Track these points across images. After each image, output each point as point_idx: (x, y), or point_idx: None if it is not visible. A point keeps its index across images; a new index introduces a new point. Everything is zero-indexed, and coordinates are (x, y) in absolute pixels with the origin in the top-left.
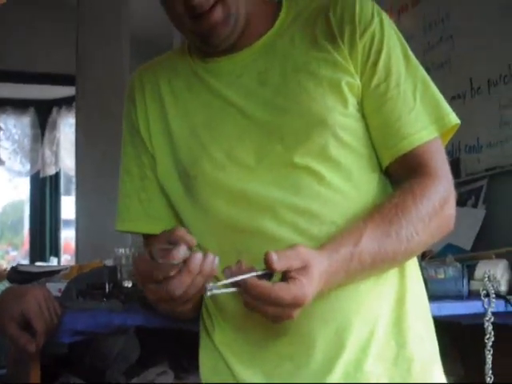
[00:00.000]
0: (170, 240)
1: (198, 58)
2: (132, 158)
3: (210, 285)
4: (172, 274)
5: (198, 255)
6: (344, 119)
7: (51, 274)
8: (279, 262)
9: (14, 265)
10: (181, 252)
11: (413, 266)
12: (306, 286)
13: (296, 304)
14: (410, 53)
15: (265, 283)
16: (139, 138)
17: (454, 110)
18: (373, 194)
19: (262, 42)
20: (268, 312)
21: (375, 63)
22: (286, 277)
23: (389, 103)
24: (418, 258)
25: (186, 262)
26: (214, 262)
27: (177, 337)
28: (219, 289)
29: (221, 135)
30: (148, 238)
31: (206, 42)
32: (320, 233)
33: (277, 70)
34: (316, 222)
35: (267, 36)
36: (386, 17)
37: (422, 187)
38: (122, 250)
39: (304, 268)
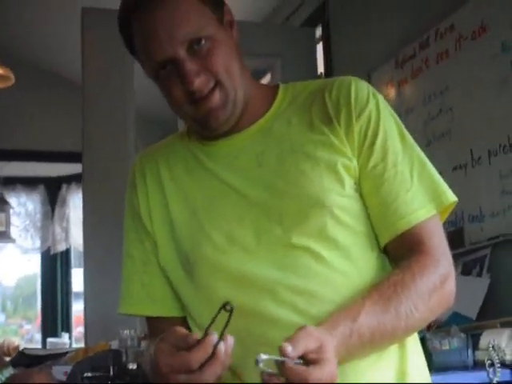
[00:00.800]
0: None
1: (197, 140)
2: (134, 243)
3: (261, 356)
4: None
5: (226, 345)
6: (341, 199)
7: (57, 356)
8: (295, 350)
9: (26, 342)
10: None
11: (412, 340)
12: (333, 363)
13: (333, 381)
14: (406, 132)
15: (300, 367)
16: (141, 224)
17: (455, 181)
18: (372, 273)
19: (259, 125)
20: None
21: (372, 144)
22: (306, 360)
23: (386, 184)
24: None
25: (213, 351)
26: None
27: None
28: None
29: (220, 217)
30: (150, 320)
31: (204, 126)
32: (319, 313)
33: (274, 151)
34: (315, 302)
35: (264, 119)
36: (381, 98)
37: (421, 266)
38: (127, 332)
39: (321, 347)
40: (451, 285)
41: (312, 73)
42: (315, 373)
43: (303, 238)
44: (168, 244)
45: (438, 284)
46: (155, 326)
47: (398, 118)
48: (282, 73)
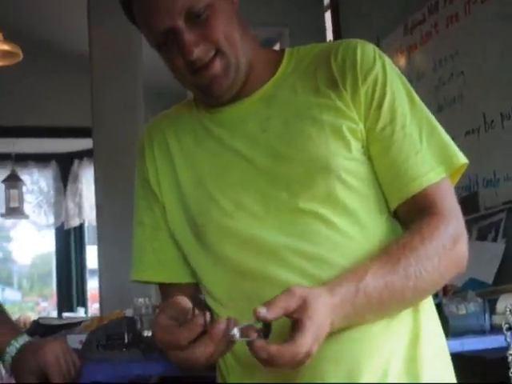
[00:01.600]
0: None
1: (203, 108)
2: (144, 210)
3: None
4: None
5: (221, 324)
6: (348, 163)
7: (72, 326)
8: (271, 312)
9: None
10: (201, 319)
11: (426, 305)
12: (318, 320)
13: (309, 353)
14: (415, 94)
15: (272, 347)
16: (150, 191)
17: (468, 145)
18: (381, 236)
19: (263, 91)
20: (285, 366)
21: (379, 107)
22: (291, 320)
23: (395, 145)
24: (433, 295)
25: (209, 329)
26: (234, 326)
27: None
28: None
29: (227, 183)
30: (163, 286)
31: (207, 94)
32: (329, 277)
33: (279, 117)
34: (325, 267)
35: (269, 84)
36: (388, 60)
37: (431, 228)
38: (141, 300)
39: (303, 304)
40: (463, 246)
41: (321, 41)
42: (286, 350)
43: (311, 202)
44: (177, 209)
45: (447, 245)
46: (167, 292)
47: (405, 80)
48: (291, 42)
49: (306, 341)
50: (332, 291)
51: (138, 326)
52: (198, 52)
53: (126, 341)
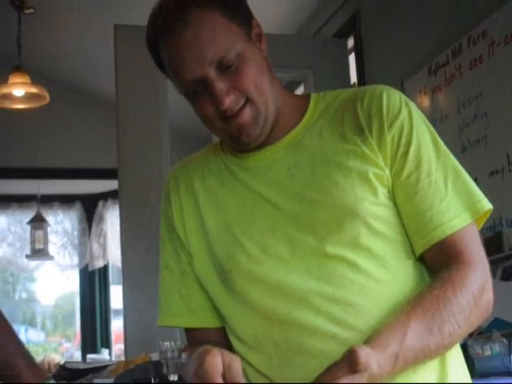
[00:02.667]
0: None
1: (230, 153)
2: (170, 254)
3: None
4: None
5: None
6: (375, 208)
7: (98, 370)
8: None
9: (66, 359)
10: None
11: (453, 349)
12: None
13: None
14: (440, 141)
15: None
16: (176, 235)
17: (493, 186)
18: (409, 281)
19: (291, 137)
20: None
21: (405, 154)
22: None
23: (420, 193)
24: None
25: None
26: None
27: None
28: None
29: (254, 229)
30: (189, 331)
31: (236, 142)
32: (356, 321)
33: (306, 163)
34: (352, 311)
35: (296, 130)
36: (413, 107)
37: (461, 277)
38: (167, 344)
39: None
40: (489, 294)
41: (345, 83)
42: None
43: (337, 247)
44: (203, 254)
45: (477, 295)
46: (194, 337)
47: (431, 126)
48: (315, 84)
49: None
50: (378, 354)
51: (164, 370)
52: (229, 101)
53: None
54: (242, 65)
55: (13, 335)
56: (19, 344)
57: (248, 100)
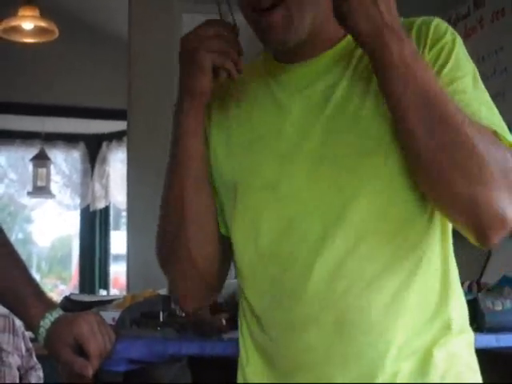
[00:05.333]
0: None
1: (274, 62)
2: None
3: None
4: None
5: None
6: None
7: (104, 303)
8: None
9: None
10: None
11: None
12: None
13: None
14: (479, 78)
15: None
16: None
17: None
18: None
19: (335, 51)
20: None
21: (440, 70)
22: None
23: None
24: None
25: None
26: None
27: (229, 367)
28: None
29: (274, 154)
30: None
31: (263, 40)
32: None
33: (342, 88)
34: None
35: (337, 50)
36: (460, 39)
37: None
38: None
39: None
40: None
41: None
42: None
43: (355, 180)
44: (221, 165)
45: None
46: None
47: (473, 64)
48: None
49: None
50: None
51: (173, 305)
52: None
53: (161, 319)
54: None
55: (18, 260)
56: (25, 270)
57: (282, 1)
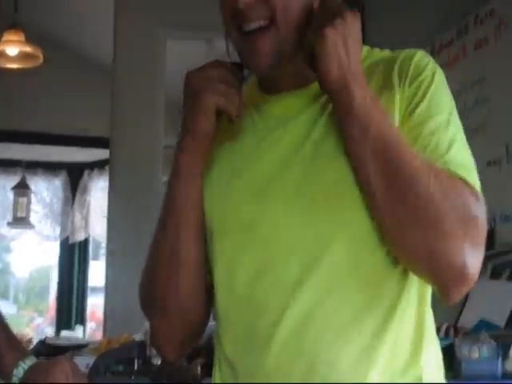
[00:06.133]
0: None
1: (257, 92)
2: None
3: None
4: None
5: None
6: None
7: (79, 347)
8: None
9: (39, 335)
10: None
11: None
12: None
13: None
14: (456, 114)
15: None
16: None
17: (489, 176)
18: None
19: (314, 89)
20: None
21: (414, 108)
22: None
23: (418, 146)
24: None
25: None
26: None
27: None
28: None
29: (253, 191)
30: None
31: (246, 63)
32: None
33: (324, 120)
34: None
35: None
36: (440, 72)
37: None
38: None
39: None
40: (475, 208)
41: None
42: None
43: (332, 224)
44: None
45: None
46: None
47: (452, 98)
48: None
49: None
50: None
51: (148, 351)
52: (246, 3)
53: (136, 367)
54: None
55: None
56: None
57: (272, 24)
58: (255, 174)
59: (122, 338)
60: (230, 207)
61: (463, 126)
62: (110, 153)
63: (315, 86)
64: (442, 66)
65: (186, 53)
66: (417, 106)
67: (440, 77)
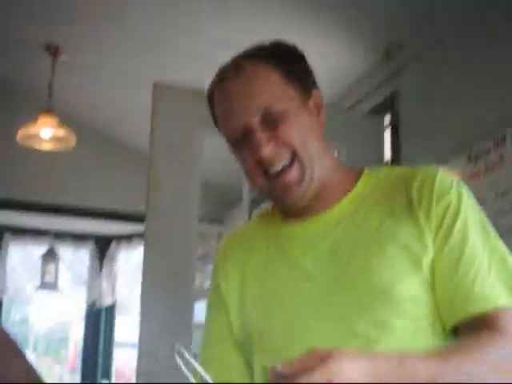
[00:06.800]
0: None
1: (279, 220)
2: (214, 317)
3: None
4: None
5: None
6: (410, 290)
7: None
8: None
9: None
10: None
11: None
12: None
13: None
14: (490, 227)
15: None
16: (221, 301)
17: None
18: None
19: (338, 210)
20: None
21: (449, 230)
22: None
23: (461, 271)
24: None
25: None
26: None
27: None
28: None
29: (286, 304)
30: None
31: (279, 202)
32: None
33: (349, 240)
34: None
35: (344, 203)
36: (465, 189)
37: (491, 337)
38: None
39: (325, 357)
40: None
41: (378, 161)
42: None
43: (365, 326)
44: (238, 324)
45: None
46: None
47: (481, 211)
48: (347, 158)
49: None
50: (370, 355)
51: None
52: (269, 151)
53: None
54: (287, 119)
55: (21, 356)
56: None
57: (295, 159)
58: (291, 291)
59: None
60: (265, 319)
61: (499, 228)
62: (145, 231)
63: (338, 206)
64: (477, 173)
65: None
66: (451, 226)
67: (466, 193)
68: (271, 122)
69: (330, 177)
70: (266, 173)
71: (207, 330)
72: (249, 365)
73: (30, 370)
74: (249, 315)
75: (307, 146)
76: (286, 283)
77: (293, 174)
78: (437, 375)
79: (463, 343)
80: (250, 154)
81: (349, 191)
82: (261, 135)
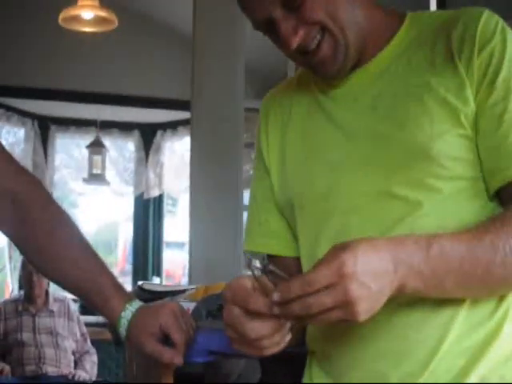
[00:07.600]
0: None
1: (319, 80)
2: (256, 181)
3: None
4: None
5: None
6: (450, 148)
7: (176, 293)
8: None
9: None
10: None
11: None
12: (344, 253)
13: (338, 274)
14: None
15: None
16: (262, 162)
17: None
18: (473, 222)
19: (379, 62)
20: (312, 306)
21: (493, 81)
22: None
23: (505, 124)
24: None
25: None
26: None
27: (298, 361)
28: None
29: (327, 164)
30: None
31: (319, 75)
32: None
33: (389, 94)
34: None
35: (384, 54)
36: (510, 36)
37: None
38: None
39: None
40: None
41: (423, 7)
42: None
43: (403, 187)
44: (280, 185)
45: None
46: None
47: None
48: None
49: (321, 272)
50: (390, 239)
51: None
52: (298, 41)
53: None
54: None
55: (94, 251)
56: (101, 261)
57: (325, 32)
58: (331, 149)
59: (219, 285)
60: (307, 180)
61: None
62: (192, 114)
63: (375, 62)
64: None
65: None
66: (494, 78)
67: (511, 40)
68: (293, 5)
69: (368, 30)
70: (302, 52)
71: (252, 194)
72: (291, 228)
73: (107, 270)
74: (289, 179)
75: (335, 16)
76: (327, 143)
77: (325, 48)
78: (470, 253)
79: (496, 217)
80: (282, 45)
81: (391, 38)
82: (285, 26)
